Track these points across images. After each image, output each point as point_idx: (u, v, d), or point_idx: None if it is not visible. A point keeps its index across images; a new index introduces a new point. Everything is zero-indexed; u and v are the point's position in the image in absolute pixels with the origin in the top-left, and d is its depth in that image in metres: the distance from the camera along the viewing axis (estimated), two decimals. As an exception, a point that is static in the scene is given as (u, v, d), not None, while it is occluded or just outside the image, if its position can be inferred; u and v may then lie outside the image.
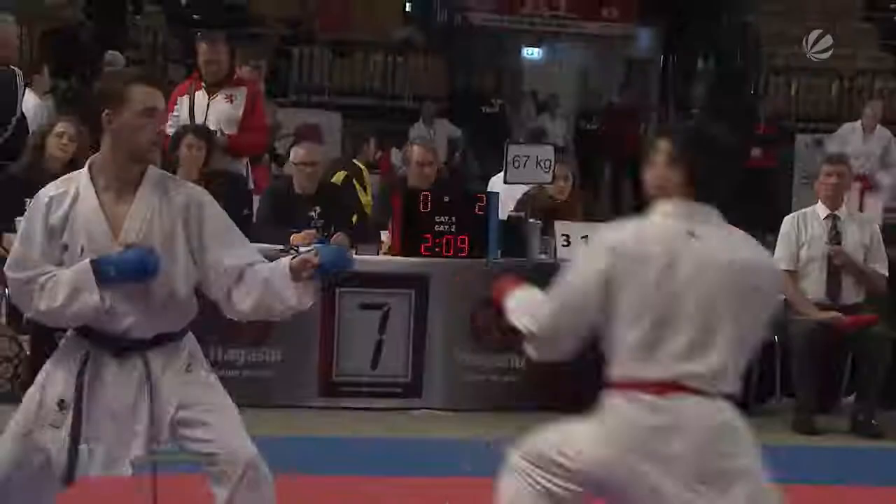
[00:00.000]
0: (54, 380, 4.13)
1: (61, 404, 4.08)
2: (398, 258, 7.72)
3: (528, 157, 8.05)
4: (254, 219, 8.08)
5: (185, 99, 8.65)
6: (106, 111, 4.05)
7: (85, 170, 4.13)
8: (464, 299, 7.71)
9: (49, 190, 4.13)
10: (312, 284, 4.11)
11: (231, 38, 9.09)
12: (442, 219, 7.70)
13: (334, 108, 16.86)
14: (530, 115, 18.50)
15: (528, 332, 3.76)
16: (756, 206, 16.97)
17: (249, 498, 4.04)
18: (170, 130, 8.49)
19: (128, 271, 3.99)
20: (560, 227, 7.95)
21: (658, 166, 3.71)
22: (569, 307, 3.68)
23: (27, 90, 9.02)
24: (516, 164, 8.02)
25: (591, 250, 3.71)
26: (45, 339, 6.34)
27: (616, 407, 3.65)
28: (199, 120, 8.48)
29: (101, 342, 4.10)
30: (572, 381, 7.78)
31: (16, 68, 8.84)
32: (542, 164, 8.06)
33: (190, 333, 4.23)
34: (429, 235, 7.65)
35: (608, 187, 18.13)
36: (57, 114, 9.87)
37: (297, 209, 8.03)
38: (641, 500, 3.63)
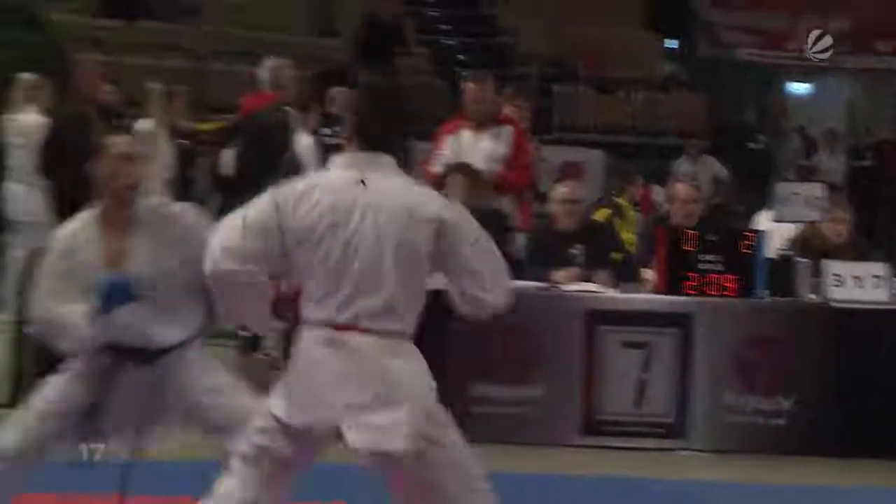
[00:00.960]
0: None
1: None
2: (662, 297, 7.63)
3: (798, 194, 7.87)
4: (516, 257, 8.12)
5: (452, 138, 8.79)
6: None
7: (92, 211, 4.56)
8: (730, 339, 7.56)
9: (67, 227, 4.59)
10: None
11: (496, 78, 9.21)
12: (707, 257, 7.58)
13: (596, 146, 16.85)
14: (797, 150, 18.06)
15: None
16: None
17: None
18: (437, 168, 8.65)
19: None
20: (831, 265, 7.69)
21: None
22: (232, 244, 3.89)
23: (300, 130, 9.33)
24: (785, 202, 7.85)
25: (258, 201, 3.90)
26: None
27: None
28: (465, 158, 8.60)
29: None
30: (842, 427, 7.57)
31: (289, 108, 9.17)
32: (811, 201, 7.86)
33: None
34: (693, 273, 7.54)
35: (883, 228, 17.46)
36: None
37: (559, 247, 8.03)
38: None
